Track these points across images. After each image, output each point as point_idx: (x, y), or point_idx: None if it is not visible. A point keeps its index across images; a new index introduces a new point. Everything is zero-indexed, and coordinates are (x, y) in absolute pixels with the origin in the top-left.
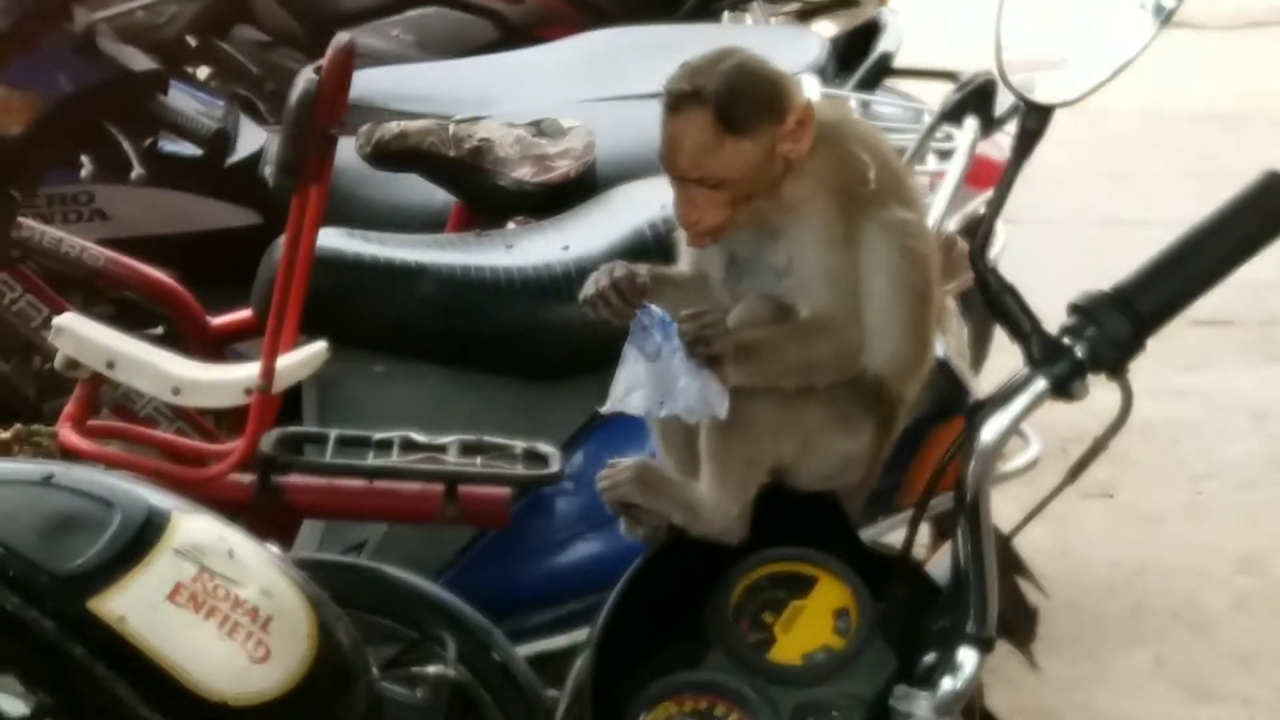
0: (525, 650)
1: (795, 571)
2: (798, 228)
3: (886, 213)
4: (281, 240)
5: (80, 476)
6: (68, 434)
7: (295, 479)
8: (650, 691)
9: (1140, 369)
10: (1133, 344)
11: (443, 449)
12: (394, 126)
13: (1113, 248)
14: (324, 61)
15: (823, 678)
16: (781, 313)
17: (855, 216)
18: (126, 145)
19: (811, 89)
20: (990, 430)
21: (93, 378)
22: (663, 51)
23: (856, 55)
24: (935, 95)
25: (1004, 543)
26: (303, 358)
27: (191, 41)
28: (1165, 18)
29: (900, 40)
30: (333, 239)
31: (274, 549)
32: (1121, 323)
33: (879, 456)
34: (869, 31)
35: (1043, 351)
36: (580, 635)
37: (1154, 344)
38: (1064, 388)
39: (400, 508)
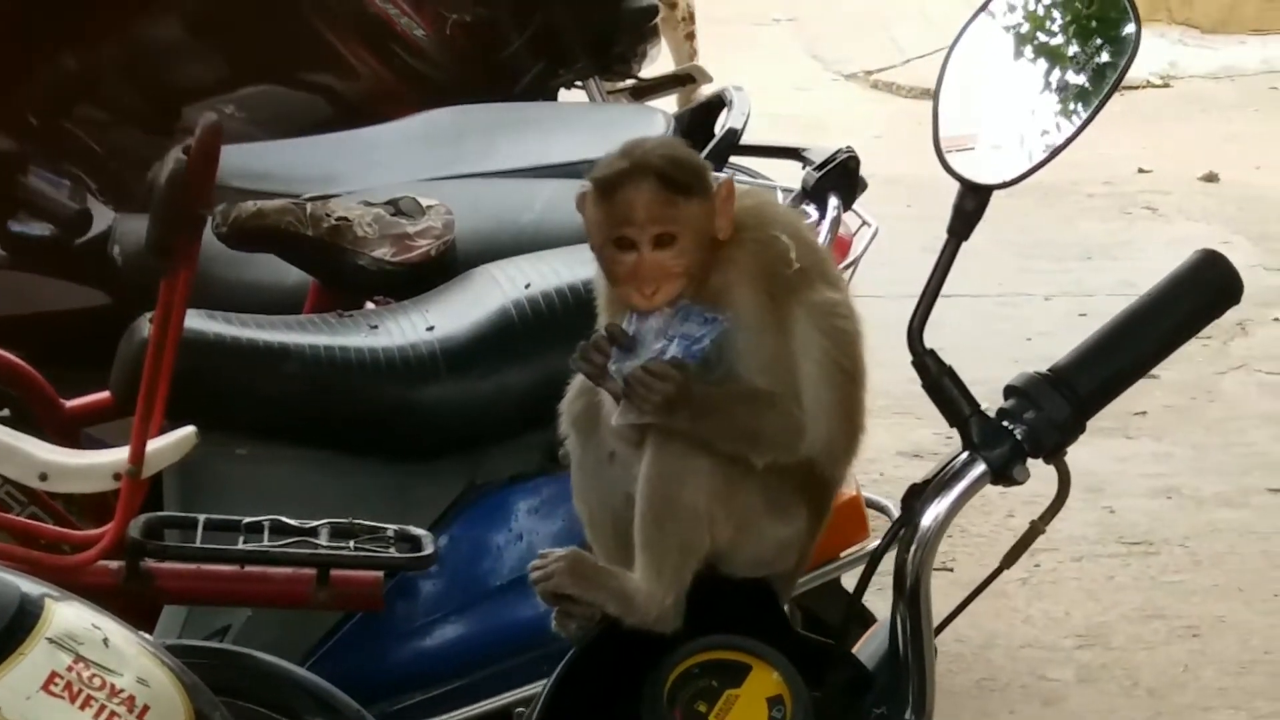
0: None
1: (729, 659)
2: (726, 316)
3: (813, 294)
4: (141, 320)
5: None
6: None
7: (165, 565)
8: None
9: None
10: (1073, 426)
11: (314, 533)
12: (250, 206)
13: (939, 320)
14: (192, 141)
15: None
16: None
17: (782, 300)
18: None
19: None
20: (930, 516)
21: None
22: (507, 129)
23: (698, 133)
24: (781, 172)
25: (857, 602)
26: (172, 441)
27: (33, 121)
28: (1100, 102)
29: (747, 116)
30: (195, 320)
31: (147, 636)
32: (1061, 405)
33: (812, 542)
34: (712, 108)
35: (982, 435)
36: (449, 718)
37: None
38: (1003, 471)
39: (272, 593)
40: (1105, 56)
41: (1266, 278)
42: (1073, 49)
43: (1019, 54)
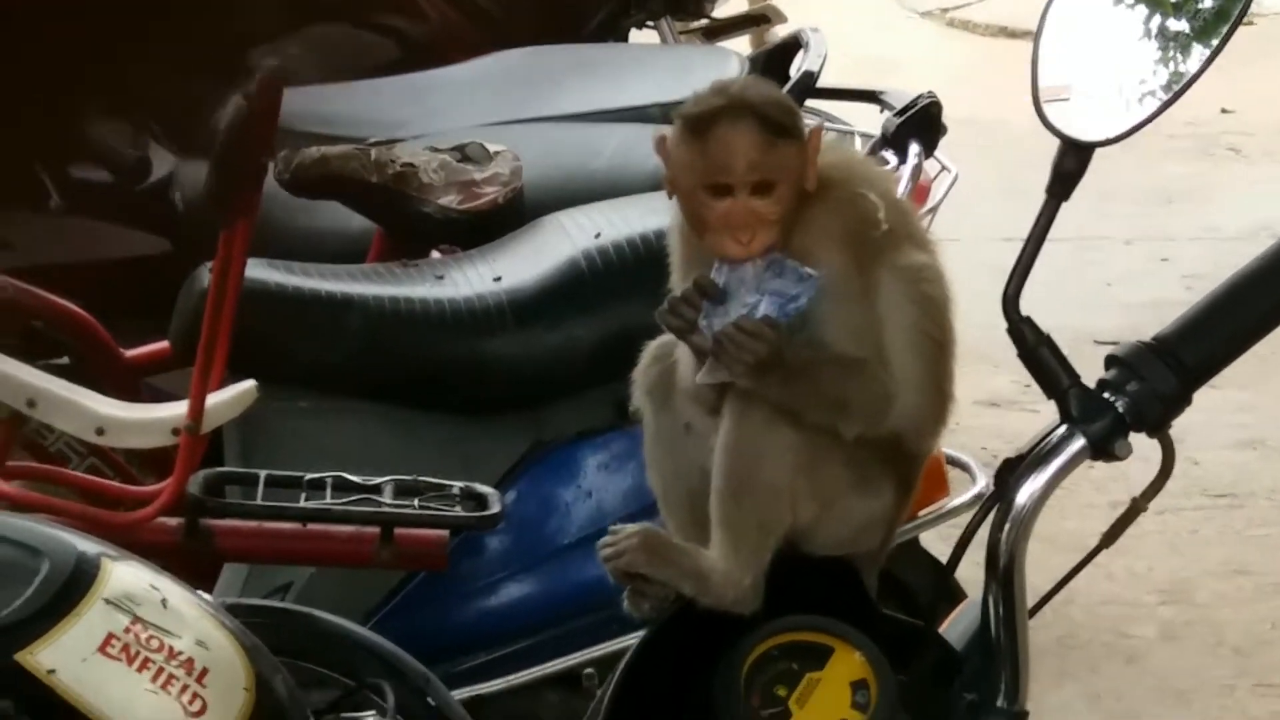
0: (459, 695)
1: (810, 641)
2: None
3: (900, 256)
4: (201, 270)
5: (3, 522)
6: None
7: (225, 523)
8: None
9: None
10: (1178, 398)
11: (378, 490)
12: (314, 152)
13: (1009, 266)
14: (253, 88)
15: None
16: None
17: (868, 264)
18: (44, 174)
19: None
20: (1025, 493)
21: (11, 417)
22: (577, 71)
23: (773, 75)
24: (858, 116)
25: (949, 577)
26: (232, 396)
27: (92, 65)
28: (1215, 50)
29: (823, 59)
30: (256, 270)
31: (206, 597)
32: (1167, 376)
33: (899, 518)
34: (787, 50)
35: (1082, 408)
36: (515, 679)
37: None
38: (1104, 447)
39: (335, 552)
40: (1220, 2)
41: None
42: None
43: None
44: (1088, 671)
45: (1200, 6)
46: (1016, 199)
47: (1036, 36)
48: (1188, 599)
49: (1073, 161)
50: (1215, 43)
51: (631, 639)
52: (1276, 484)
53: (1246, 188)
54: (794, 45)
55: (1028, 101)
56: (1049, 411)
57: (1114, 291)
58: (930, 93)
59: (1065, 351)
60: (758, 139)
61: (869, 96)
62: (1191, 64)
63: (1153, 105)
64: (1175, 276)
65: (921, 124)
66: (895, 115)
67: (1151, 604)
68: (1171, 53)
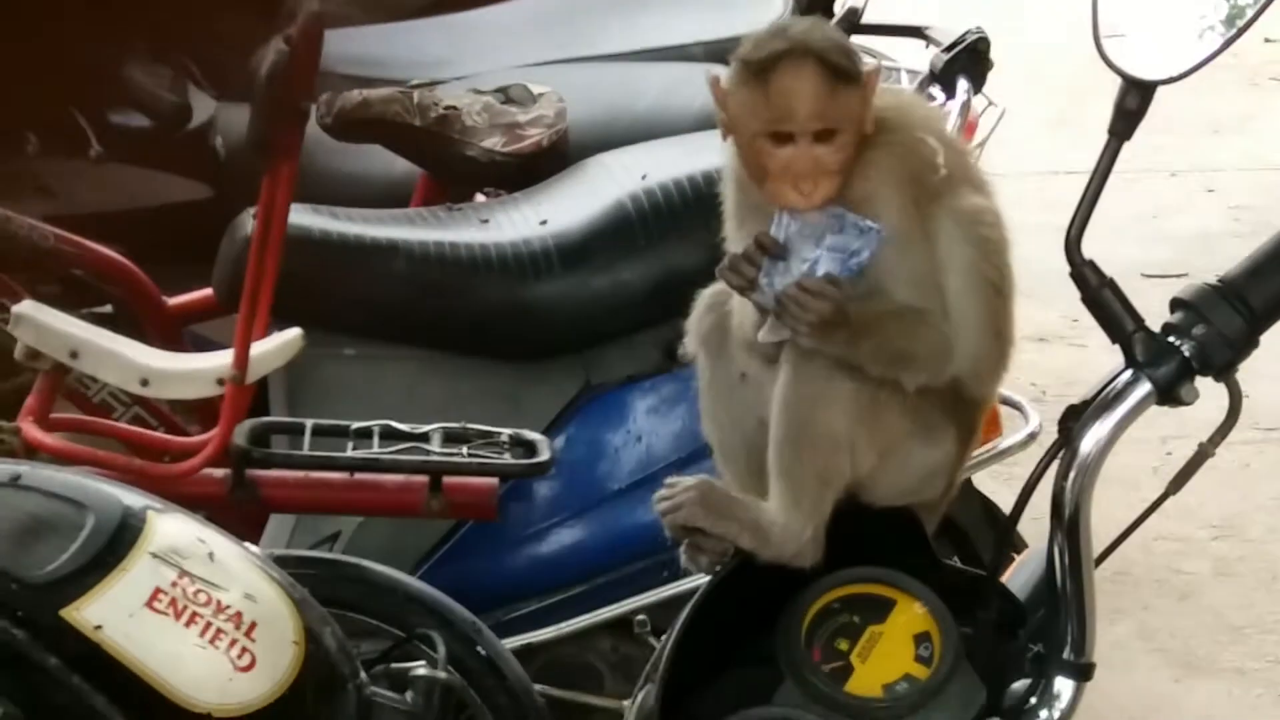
0: (510, 644)
1: (871, 594)
2: (882, 226)
3: (959, 200)
4: (244, 216)
5: (49, 476)
6: (31, 430)
7: (272, 473)
8: None
9: (1093, 326)
10: (1246, 342)
11: (425, 438)
12: (355, 95)
13: (1057, 200)
14: (294, 30)
15: (906, 711)
16: None
17: (927, 208)
18: (83, 121)
19: None
20: (1091, 440)
21: (55, 368)
22: (619, 9)
23: (819, 11)
24: (903, 53)
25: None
26: (277, 345)
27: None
28: None
29: None
30: (300, 216)
31: (254, 549)
32: (1234, 319)
33: (960, 467)
34: None
35: (1147, 352)
36: (566, 627)
37: None
38: (1170, 391)
39: (383, 502)
40: None
41: None
42: None
43: None
44: (1141, 608)
45: None
46: (1064, 130)
47: None
48: (1240, 534)
49: (1135, 100)
50: None
51: (685, 585)
52: None
53: None
54: None
55: (1068, 33)
56: (1096, 345)
57: (1160, 224)
58: (978, 28)
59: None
60: (821, 85)
61: (914, 32)
62: None
63: (1215, 41)
64: (1222, 208)
65: (969, 60)
66: (943, 52)
67: (1204, 539)
68: None
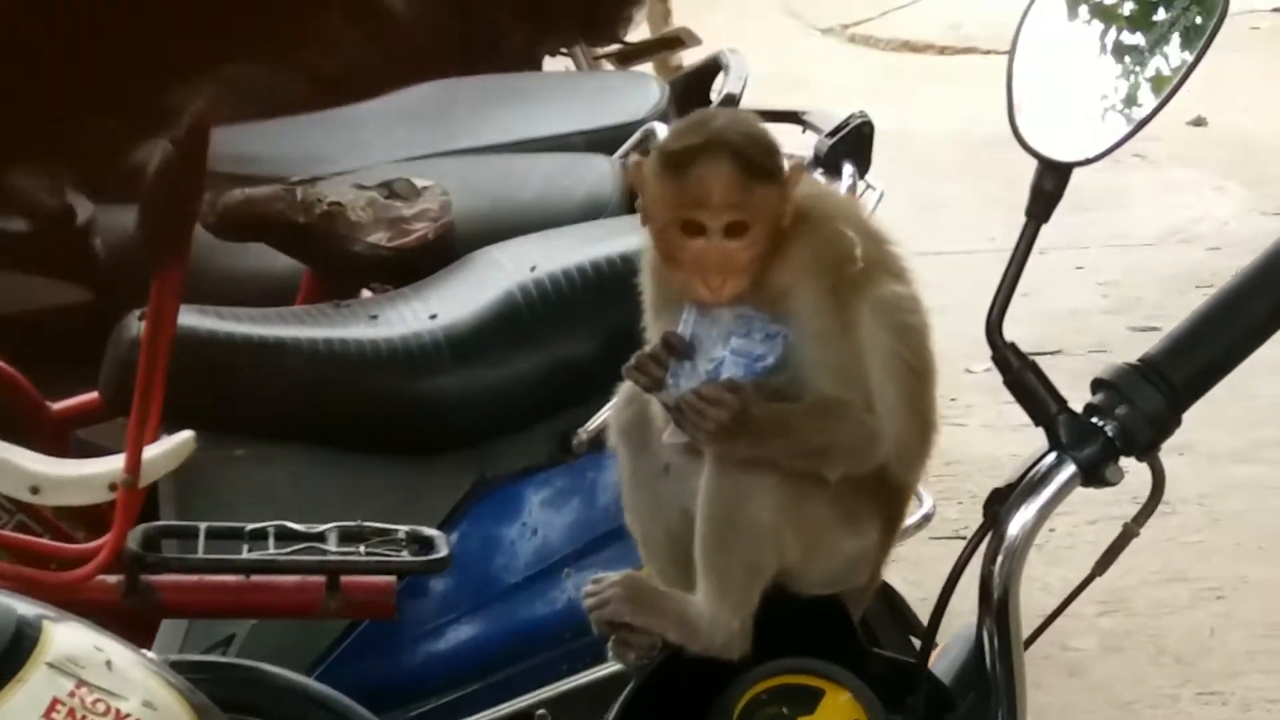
0: None
1: (800, 684)
2: (788, 321)
3: (878, 289)
4: (130, 318)
5: None
6: None
7: (167, 578)
8: None
9: (978, 404)
10: (1168, 421)
11: (322, 537)
12: (238, 193)
13: (936, 281)
14: (181, 131)
15: None
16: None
17: (847, 298)
18: None
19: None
20: (1018, 524)
21: None
22: (496, 101)
23: (694, 99)
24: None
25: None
26: (169, 448)
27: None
28: (1189, 67)
29: (744, 80)
30: (187, 317)
31: (151, 655)
32: (1155, 397)
33: (886, 553)
34: (706, 72)
35: (1071, 434)
36: None
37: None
38: (1095, 472)
39: (281, 603)
40: (1196, 19)
41: (1263, 223)
42: (1159, 12)
43: (1099, 18)
44: (1031, 687)
45: (1176, 23)
46: (932, 212)
47: (1011, 55)
48: (1126, 609)
49: (1051, 181)
50: (1191, 57)
51: (586, 678)
52: (1206, 490)
53: (1154, 194)
54: (714, 67)
55: (933, 115)
56: (976, 424)
57: (1032, 301)
58: (861, 112)
59: (991, 361)
60: (735, 180)
61: (792, 117)
62: (1168, 79)
63: (1131, 122)
64: (1091, 284)
65: (854, 144)
66: (827, 136)
67: (1091, 615)
68: (1147, 69)
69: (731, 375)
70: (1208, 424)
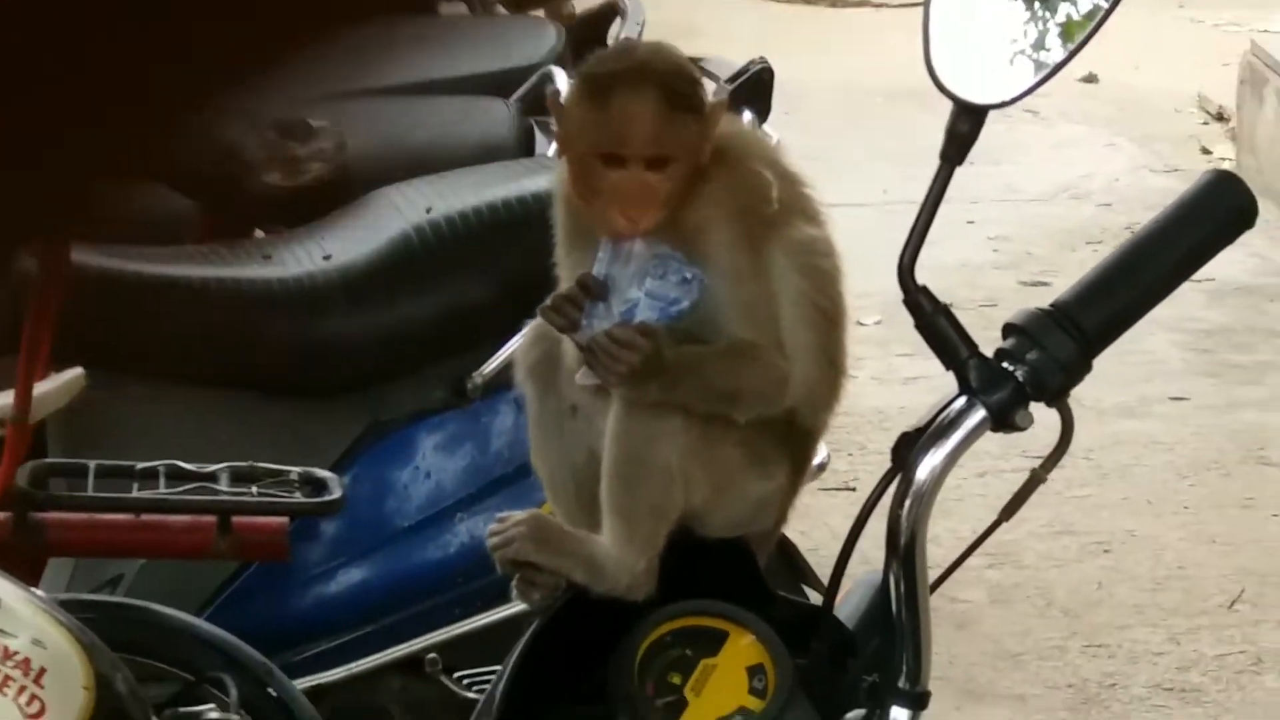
0: (300, 685)
1: (704, 626)
2: (701, 261)
3: (792, 231)
4: (23, 256)
5: None
6: None
7: (56, 516)
8: None
9: (869, 356)
10: (1079, 366)
11: (213, 478)
12: None
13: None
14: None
15: None
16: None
17: (760, 239)
18: None
19: (561, 83)
20: (926, 468)
21: None
22: (396, 44)
23: (590, 44)
24: None
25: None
26: (59, 384)
27: None
28: (1104, 15)
29: (641, 25)
30: (79, 255)
31: (40, 593)
32: (1066, 343)
33: (793, 497)
34: (604, 17)
35: (981, 378)
36: (356, 667)
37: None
38: (1004, 417)
39: (171, 543)
40: None
41: (1153, 179)
42: None
43: None
44: None
45: None
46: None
47: (926, 5)
48: (1014, 561)
49: (966, 124)
50: (1106, 3)
51: (477, 622)
52: (1093, 444)
53: (1047, 149)
54: (610, 12)
55: (823, 66)
56: (865, 376)
57: (924, 254)
58: (762, 58)
59: (881, 314)
60: (659, 111)
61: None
62: (1080, 24)
63: (1047, 65)
64: (981, 238)
65: (754, 91)
66: (727, 82)
67: (979, 567)
68: (1058, 13)
69: (645, 319)
70: (1096, 379)
